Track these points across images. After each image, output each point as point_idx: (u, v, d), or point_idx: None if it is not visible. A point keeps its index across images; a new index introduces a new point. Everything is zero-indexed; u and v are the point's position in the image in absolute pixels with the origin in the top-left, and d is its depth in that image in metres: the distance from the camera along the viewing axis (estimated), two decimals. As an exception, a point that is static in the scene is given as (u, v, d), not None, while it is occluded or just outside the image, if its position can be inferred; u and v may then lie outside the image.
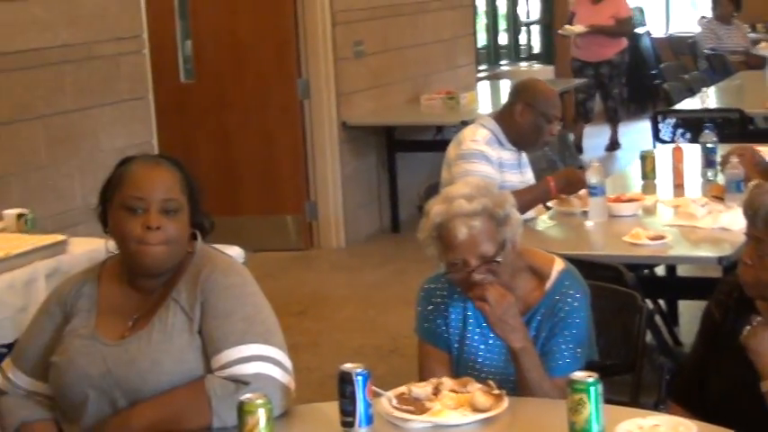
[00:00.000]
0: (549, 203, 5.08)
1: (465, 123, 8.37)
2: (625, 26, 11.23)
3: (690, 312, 5.84)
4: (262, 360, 2.82)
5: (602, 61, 11.12)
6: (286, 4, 8.15)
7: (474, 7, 10.93)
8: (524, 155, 5.20)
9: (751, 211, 2.81)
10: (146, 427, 2.77)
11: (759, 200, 2.80)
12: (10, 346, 3.20)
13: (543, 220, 4.98)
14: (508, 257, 3.15)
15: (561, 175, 5.02)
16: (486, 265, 3.11)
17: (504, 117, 5.10)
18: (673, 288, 5.64)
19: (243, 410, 2.57)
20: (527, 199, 4.84)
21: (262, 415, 2.56)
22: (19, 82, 5.59)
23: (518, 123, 5.04)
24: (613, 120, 11.76)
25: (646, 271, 5.44)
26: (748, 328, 2.79)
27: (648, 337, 4.63)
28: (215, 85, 8.23)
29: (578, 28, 10.93)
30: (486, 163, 4.94)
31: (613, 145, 11.73)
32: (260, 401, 2.57)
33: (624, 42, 11.32)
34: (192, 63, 8.31)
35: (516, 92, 5.14)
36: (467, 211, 3.10)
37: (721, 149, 5.66)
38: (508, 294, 3.10)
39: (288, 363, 2.88)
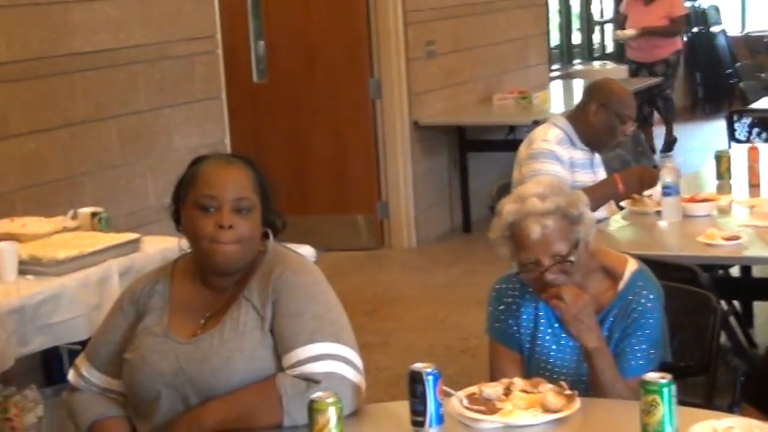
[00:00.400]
0: (623, 203, 5.04)
1: (537, 123, 8.34)
2: (679, 25, 11.03)
3: (765, 314, 5.78)
4: (333, 359, 2.82)
5: (657, 61, 10.96)
6: (358, 3, 8.16)
7: (547, 6, 10.88)
8: (597, 155, 5.16)
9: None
10: (217, 424, 2.78)
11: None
12: (84, 344, 3.22)
13: (616, 220, 4.94)
14: (581, 257, 3.12)
15: (631, 173, 4.97)
16: (558, 264, 3.09)
17: (577, 117, 5.06)
18: (748, 289, 5.58)
19: (313, 409, 2.57)
20: (594, 197, 4.79)
21: (332, 414, 2.56)
22: (93, 82, 5.64)
23: (591, 123, 5.00)
24: (668, 119, 11.60)
25: (720, 272, 5.37)
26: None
27: (723, 338, 4.59)
28: (287, 84, 8.26)
29: (630, 32, 10.79)
30: (556, 162, 4.91)
31: (669, 145, 11.60)
32: (330, 400, 2.57)
33: (679, 42, 11.15)
34: (264, 63, 8.35)
35: (590, 92, 5.11)
36: (540, 210, 3.08)
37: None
38: (583, 293, 3.08)
39: (359, 362, 2.87)
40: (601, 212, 4.83)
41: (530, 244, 3.09)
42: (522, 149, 5.11)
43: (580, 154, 5.05)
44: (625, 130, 5.03)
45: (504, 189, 4.75)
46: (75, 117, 5.55)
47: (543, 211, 3.08)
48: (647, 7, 10.80)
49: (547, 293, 3.10)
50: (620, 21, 11.03)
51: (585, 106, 5.03)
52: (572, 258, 3.09)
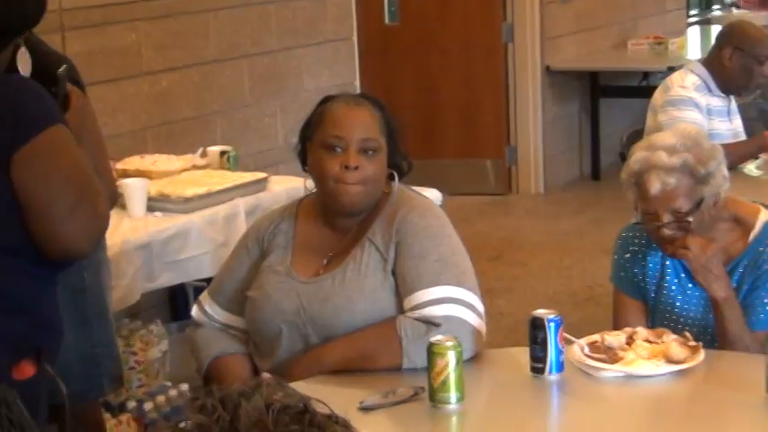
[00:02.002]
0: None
1: (672, 69, 8.19)
2: None
3: None
4: (454, 302, 2.81)
5: None
6: (493, -54, 8.07)
7: (686, -50, 10.65)
8: (734, 102, 5.05)
9: None
10: (336, 363, 2.80)
11: None
12: (209, 281, 3.26)
13: (750, 170, 4.82)
14: (705, 216, 3.05)
15: None
16: (677, 222, 3.03)
17: (712, 62, 4.96)
18: None
19: (432, 352, 2.56)
20: (741, 152, 4.75)
21: (452, 357, 2.55)
22: (225, 21, 5.68)
23: (728, 68, 4.91)
24: None
25: None
26: None
27: None
28: (419, 27, 8.22)
29: (760, 15, 10.33)
30: (695, 110, 4.82)
31: None
32: (450, 344, 2.56)
33: None
34: (396, 5, 8.31)
35: (723, 35, 5.00)
36: (665, 165, 3.01)
37: None
38: (711, 242, 3.02)
39: (480, 306, 2.86)
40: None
41: (650, 197, 3.03)
42: (658, 95, 5.02)
43: (717, 101, 4.95)
44: (764, 71, 4.93)
45: (635, 136, 4.68)
46: (207, 56, 5.60)
47: (668, 167, 3.01)
48: None
49: (672, 246, 3.04)
50: None
51: (720, 51, 4.93)
52: (690, 218, 3.02)
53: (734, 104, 5.08)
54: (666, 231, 3.05)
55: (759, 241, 3.12)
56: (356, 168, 2.86)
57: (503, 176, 8.29)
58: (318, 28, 6.23)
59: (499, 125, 8.24)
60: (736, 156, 4.71)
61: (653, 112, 5.01)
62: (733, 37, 4.94)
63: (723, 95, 4.97)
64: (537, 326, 2.69)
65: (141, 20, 5.23)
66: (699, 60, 5.02)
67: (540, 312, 2.71)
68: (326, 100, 3.00)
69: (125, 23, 5.15)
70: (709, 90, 4.94)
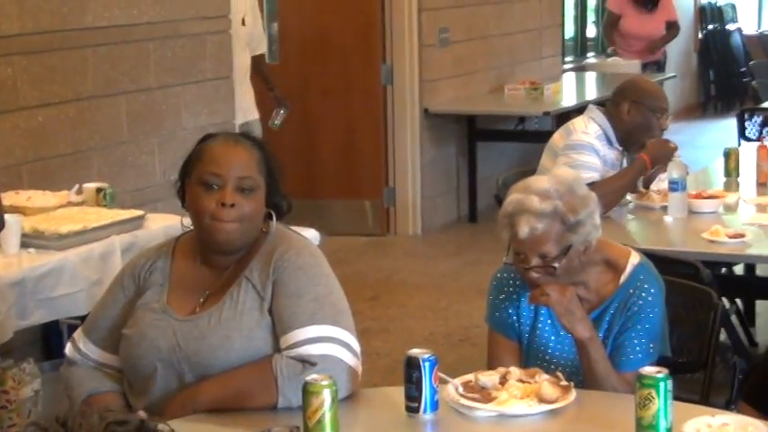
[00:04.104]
0: (629, 197, 5.02)
1: (547, 114, 8.37)
2: (677, 29, 10.87)
3: (767, 312, 5.76)
4: (330, 341, 2.82)
5: (650, 63, 10.79)
6: (373, -11, 8.15)
7: (562, -2, 10.85)
8: (625, 160, 5.13)
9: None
10: (211, 402, 2.78)
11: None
12: (84, 319, 3.22)
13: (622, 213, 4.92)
14: (574, 261, 3.11)
15: (653, 145, 4.93)
16: (543, 266, 3.08)
17: (611, 116, 5.03)
18: (751, 287, 5.57)
19: (308, 391, 2.56)
20: (626, 180, 4.86)
21: (327, 396, 2.55)
22: (104, 58, 5.63)
23: (626, 122, 4.98)
24: None
25: (724, 269, 5.36)
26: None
27: (723, 336, 4.58)
28: (299, 67, 8.25)
29: (633, 63, 10.53)
30: (595, 156, 4.90)
31: None
32: (325, 383, 2.56)
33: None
34: (276, 45, 8.32)
35: (620, 91, 5.08)
36: (535, 210, 3.06)
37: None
38: (568, 287, 3.08)
39: (356, 345, 2.87)
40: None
41: (519, 239, 3.08)
42: (558, 138, 5.08)
43: (613, 154, 5.03)
44: (661, 124, 5.02)
45: (511, 179, 4.73)
46: (85, 92, 5.55)
47: (538, 212, 3.05)
48: (647, 14, 10.59)
49: (531, 296, 3.11)
50: (612, 21, 10.77)
51: (618, 107, 5.00)
52: (556, 264, 3.07)
53: (625, 162, 5.15)
54: (533, 274, 3.10)
55: (629, 283, 3.19)
56: (232, 206, 2.86)
57: (381, 217, 8.33)
58: (197, 66, 6.21)
59: (378, 166, 8.30)
60: (625, 182, 4.82)
61: (551, 154, 5.07)
62: (630, 92, 5.02)
63: (620, 149, 5.05)
64: (412, 365, 2.71)
65: (18, 54, 5.17)
66: (600, 110, 5.08)
67: (415, 352, 2.72)
68: (206, 138, 3.00)
69: (1, 57, 5.08)
70: (609, 142, 5.01)
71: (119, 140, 5.75)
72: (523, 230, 3.05)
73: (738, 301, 5.75)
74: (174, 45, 6.06)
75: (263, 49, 7.15)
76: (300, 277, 2.88)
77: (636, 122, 4.96)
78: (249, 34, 6.93)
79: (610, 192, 4.68)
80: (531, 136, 8.69)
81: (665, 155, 4.89)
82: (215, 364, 2.83)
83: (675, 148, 4.90)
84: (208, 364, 2.83)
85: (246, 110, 6.96)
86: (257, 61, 7.13)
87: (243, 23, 6.85)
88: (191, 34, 6.16)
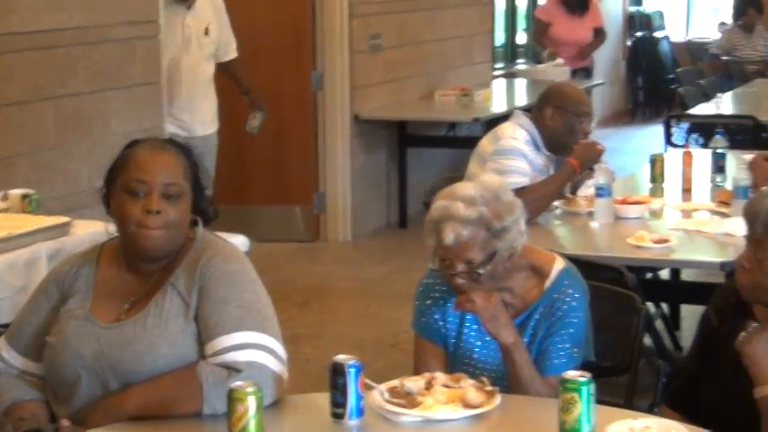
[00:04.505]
0: (556, 203, 5.06)
1: (478, 120, 8.41)
2: (604, 36, 10.98)
3: (692, 317, 5.80)
4: (256, 348, 2.82)
5: (579, 69, 10.89)
6: (304, -6, 8.15)
7: (492, 5, 10.90)
8: (553, 165, 5.16)
9: (751, 214, 2.80)
10: (136, 410, 2.77)
11: (760, 203, 2.79)
12: (8, 326, 3.19)
13: (549, 219, 4.96)
14: (499, 267, 3.13)
15: (578, 149, 4.98)
16: (468, 272, 3.10)
17: (537, 122, 5.07)
18: (675, 292, 5.63)
19: (232, 398, 2.56)
20: (556, 186, 4.90)
21: (252, 403, 2.55)
22: (32, 62, 5.59)
23: (550, 128, 5.01)
24: None
25: (650, 274, 5.42)
26: (744, 333, 2.78)
27: (649, 340, 4.64)
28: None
29: (563, 70, 10.60)
30: (524, 160, 4.93)
31: None
32: (250, 389, 2.56)
33: None
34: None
35: (544, 97, 5.12)
36: (461, 217, 3.07)
37: (732, 155, 5.67)
38: (493, 293, 3.10)
39: (282, 352, 2.88)
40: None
41: (445, 246, 3.09)
42: (486, 144, 5.10)
43: (540, 159, 5.06)
44: (584, 129, 5.06)
45: (440, 185, 4.74)
46: (12, 97, 5.50)
47: (463, 218, 3.07)
48: (574, 18, 10.67)
49: (456, 302, 3.13)
50: (541, 29, 10.83)
51: (542, 112, 5.04)
52: (481, 271, 3.09)
53: (552, 168, 5.18)
54: (459, 280, 3.12)
55: (554, 289, 3.22)
56: (158, 213, 2.85)
57: (311, 223, 8.33)
58: (126, 72, 6.18)
59: (308, 172, 8.29)
60: (554, 188, 4.86)
61: (480, 159, 5.09)
62: (553, 97, 5.06)
63: (548, 154, 5.09)
64: (337, 372, 2.72)
65: (-58, 59, 5.12)
66: (527, 116, 5.11)
67: (340, 358, 2.73)
68: (132, 144, 2.99)
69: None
70: (537, 147, 5.04)
71: (46, 146, 5.70)
72: (449, 237, 3.07)
73: (664, 305, 5.82)
74: (103, 50, 6.03)
75: (233, 53, 7.10)
76: (227, 284, 2.88)
77: (559, 127, 5.01)
78: (215, 43, 6.89)
79: (539, 197, 4.73)
80: (461, 142, 8.71)
81: (592, 158, 4.93)
82: (140, 372, 2.82)
83: (602, 150, 4.94)
84: (133, 371, 2.82)
85: (208, 122, 6.95)
86: (228, 66, 7.10)
87: (206, 33, 6.81)
88: (119, 39, 6.13)
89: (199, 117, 6.82)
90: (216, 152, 7.05)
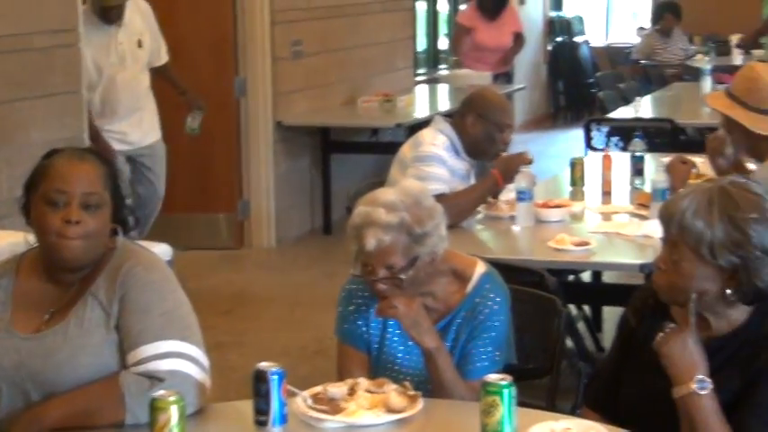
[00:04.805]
0: (479, 207, 5.09)
1: (400, 126, 8.45)
2: (523, 40, 11.08)
3: (614, 319, 5.84)
4: (178, 357, 2.82)
5: (499, 74, 10.96)
6: (225, 1, 8.12)
7: (414, 11, 10.95)
8: (473, 170, 5.19)
9: (666, 216, 2.84)
10: (58, 421, 2.75)
11: (675, 204, 2.83)
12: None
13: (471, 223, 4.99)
14: (420, 273, 3.15)
15: (502, 161, 5.00)
16: (390, 278, 3.12)
17: (458, 127, 5.09)
18: (596, 294, 5.68)
19: (155, 407, 2.55)
20: (478, 194, 4.91)
21: (174, 412, 2.55)
22: (-52, 71, 5.53)
23: (471, 135, 5.03)
24: None
25: (571, 277, 5.48)
26: (661, 334, 2.82)
27: (571, 342, 4.69)
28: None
29: (484, 75, 10.67)
30: (443, 167, 4.94)
31: None
32: (172, 398, 2.56)
33: None
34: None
35: (467, 103, 5.13)
36: (382, 222, 3.08)
37: (651, 158, 5.75)
38: (415, 299, 3.12)
39: (205, 360, 2.88)
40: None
41: (366, 251, 3.10)
42: (407, 150, 5.11)
43: (461, 164, 5.08)
44: (504, 139, 5.09)
45: (363, 190, 4.76)
46: (-71, 106, 5.43)
47: (384, 224, 3.08)
48: (494, 23, 10.75)
49: (378, 309, 3.14)
50: (462, 34, 10.88)
51: (464, 118, 5.05)
52: (403, 276, 3.11)
53: (473, 171, 5.21)
54: (381, 286, 3.13)
55: (476, 293, 3.24)
56: (77, 223, 2.84)
57: (235, 231, 8.31)
58: (46, 81, 6.12)
59: (231, 179, 8.27)
60: (474, 198, 4.89)
61: (401, 165, 5.10)
62: (476, 104, 5.07)
63: (468, 159, 5.12)
64: (260, 379, 2.72)
65: None
66: (448, 121, 5.13)
67: (263, 365, 2.74)
68: (51, 154, 2.98)
69: None
70: (457, 152, 5.06)
71: (-36, 156, 5.64)
72: (370, 243, 3.08)
73: (586, 307, 5.88)
74: (22, 59, 5.96)
75: (165, 57, 7.05)
76: (148, 293, 2.88)
77: (479, 135, 5.03)
78: (148, 52, 6.85)
79: (458, 207, 4.71)
80: (384, 147, 8.73)
81: (515, 170, 4.95)
82: (62, 382, 2.80)
83: (530, 161, 4.95)
84: (54, 382, 2.81)
85: (151, 131, 6.92)
86: (162, 70, 7.05)
87: (139, 46, 6.76)
88: (39, 48, 6.07)
89: (142, 128, 6.84)
90: (165, 158, 7.05)
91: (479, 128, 5.02)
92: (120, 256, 2.94)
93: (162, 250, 4.88)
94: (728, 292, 2.81)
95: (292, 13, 8.46)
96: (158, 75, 7.04)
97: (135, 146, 6.80)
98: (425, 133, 5.12)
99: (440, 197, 4.23)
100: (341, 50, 9.23)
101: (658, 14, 12.45)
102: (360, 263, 3.17)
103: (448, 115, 5.35)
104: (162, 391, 2.60)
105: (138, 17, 6.78)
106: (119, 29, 6.60)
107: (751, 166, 4.86)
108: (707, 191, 2.81)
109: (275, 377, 2.71)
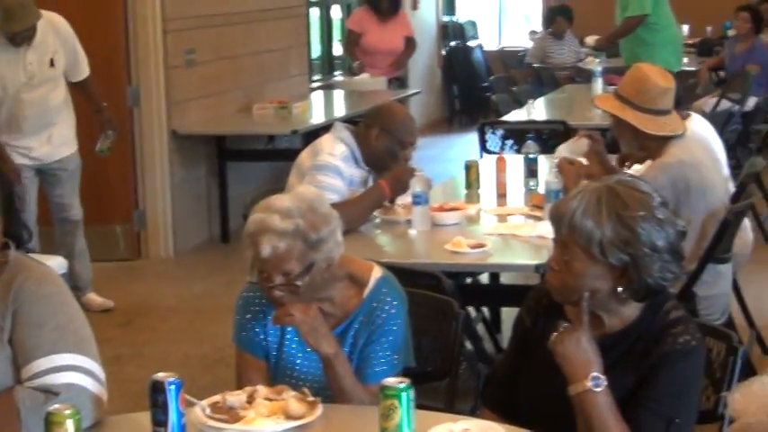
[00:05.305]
0: (375, 212, 5.10)
1: (296, 133, 8.44)
2: (415, 44, 11.11)
3: (512, 320, 5.93)
4: (74, 370, 2.79)
5: (392, 79, 11.03)
6: (116, 10, 8.05)
7: (307, 18, 10.94)
8: (371, 179, 5.19)
9: (557, 217, 2.88)
10: (-50, 439, 2.71)
11: (565, 205, 2.87)
12: None
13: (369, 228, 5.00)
14: (317, 278, 3.15)
15: (390, 175, 5.02)
16: (287, 284, 3.12)
17: (360, 137, 5.09)
18: (494, 295, 5.72)
19: (50, 421, 2.53)
20: (364, 205, 4.91)
21: (70, 426, 2.52)
22: None
23: (373, 147, 5.04)
24: None
25: (470, 279, 5.52)
26: (556, 333, 2.85)
27: (470, 344, 4.72)
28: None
29: (379, 80, 10.70)
30: (339, 178, 4.94)
31: None
32: (68, 412, 2.53)
33: None
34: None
35: (373, 115, 5.13)
36: (277, 229, 3.08)
37: (544, 160, 5.83)
38: (312, 306, 3.13)
39: (101, 373, 2.86)
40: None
41: (262, 258, 3.10)
42: (306, 158, 5.10)
43: (359, 173, 5.09)
44: (406, 156, 5.11)
45: (259, 198, 4.74)
46: None
47: (280, 231, 3.08)
48: (385, 26, 10.78)
49: (275, 317, 3.14)
50: (353, 39, 10.91)
51: (368, 130, 5.06)
52: (299, 282, 3.11)
53: (371, 180, 5.21)
54: (277, 293, 3.13)
55: (372, 297, 3.26)
56: (-32, 237, 2.80)
57: (132, 241, 8.23)
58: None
59: (127, 190, 8.20)
60: (362, 209, 4.89)
61: (298, 172, 5.09)
62: (382, 118, 5.07)
63: (366, 169, 5.12)
64: (157, 390, 2.70)
65: None
66: (349, 130, 5.13)
67: (160, 376, 2.72)
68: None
69: None
70: (356, 162, 5.07)
71: None
72: (266, 249, 3.08)
73: (485, 309, 5.92)
74: None
75: (84, 72, 6.93)
76: (41, 306, 2.85)
77: (382, 149, 5.04)
78: (61, 69, 6.73)
79: (344, 216, 4.68)
80: (280, 155, 8.75)
81: (405, 183, 4.96)
82: (-46, 399, 2.76)
83: (412, 172, 4.97)
84: (-54, 398, 2.76)
85: (62, 145, 6.82)
86: (82, 85, 6.94)
87: (51, 65, 6.65)
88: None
89: (51, 143, 6.74)
90: (78, 172, 6.96)
91: (383, 142, 5.03)
92: (12, 270, 2.91)
93: (56, 263, 4.84)
94: (620, 289, 2.85)
95: (184, 21, 8.41)
96: (77, 89, 6.95)
97: (43, 161, 6.73)
98: (324, 141, 5.11)
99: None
100: (235, 58, 9.19)
101: (550, 18, 12.62)
102: (256, 270, 3.16)
103: (350, 122, 5.34)
104: (57, 405, 2.57)
105: (52, 36, 6.66)
106: (29, 49, 6.50)
107: (631, 171, 4.98)
108: (595, 190, 2.86)
109: (172, 387, 2.69)
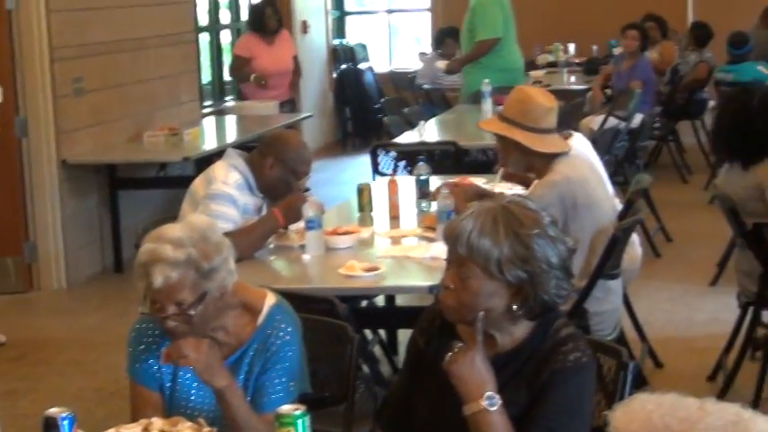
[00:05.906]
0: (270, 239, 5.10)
1: (188, 160, 8.39)
2: (299, 65, 11.22)
3: (409, 341, 5.96)
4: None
5: (286, 101, 11.06)
6: (1, 38, 7.95)
7: (197, 43, 10.89)
8: (265, 206, 5.19)
9: (453, 236, 2.90)
10: None
11: (460, 225, 2.90)
12: None
13: (263, 254, 4.99)
14: (210, 308, 3.14)
15: (286, 204, 5.01)
16: (180, 314, 3.10)
17: (255, 165, 5.08)
18: (390, 318, 5.74)
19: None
20: (257, 234, 4.90)
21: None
22: None
23: (267, 176, 5.04)
24: None
25: (366, 302, 5.53)
26: (450, 354, 2.88)
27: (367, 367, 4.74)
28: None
29: (271, 104, 10.71)
30: (233, 207, 4.93)
31: None
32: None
33: None
34: None
35: (267, 144, 5.13)
36: (169, 259, 3.06)
37: (437, 181, 5.86)
38: (203, 341, 3.11)
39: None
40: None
41: (154, 289, 3.08)
42: (199, 186, 5.08)
43: (254, 201, 5.08)
44: (300, 186, 5.11)
45: (152, 227, 4.71)
46: None
47: (172, 260, 3.06)
48: (272, 48, 10.79)
49: (165, 356, 3.13)
50: (241, 65, 10.91)
51: (262, 159, 5.05)
52: (192, 312, 3.10)
53: (265, 208, 5.20)
54: (170, 323, 3.11)
55: (267, 324, 3.26)
56: None
57: (23, 274, 8.11)
58: None
59: (17, 221, 8.08)
60: (255, 237, 4.88)
61: (192, 200, 5.07)
62: (277, 148, 5.06)
63: (261, 196, 5.11)
64: (50, 426, 2.68)
65: None
66: (243, 157, 5.11)
67: (52, 411, 2.69)
68: None
69: None
70: (251, 190, 5.06)
71: None
72: (158, 280, 3.06)
73: (381, 331, 5.94)
74: None
75: None
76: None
77: (275, 178, 5.04)
78: None
79: (238, 245, 4.68)
80: (173, 182, 8.70)
81: (297, 211, 4.96)
82: None
83: (304, 200, 4.98)
84: None
85: None
86: None
87: None
88: None
89: None
90: None
91: (277, 171, 5.04)
92: None
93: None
94: (515, 307, 2.89)
95: (71, 49, 8.33)
96: None
97: None
98: (218, 169, 5.10)
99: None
100: (123, 86, 9.12)
101: (440, 39, 12.72)
102: (148, 301, 3.14)
103: (242, 147, 5.31)
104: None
105: None
106: None
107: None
108: (490, 210, 2.90)
109: (65, 423, 2.67)
